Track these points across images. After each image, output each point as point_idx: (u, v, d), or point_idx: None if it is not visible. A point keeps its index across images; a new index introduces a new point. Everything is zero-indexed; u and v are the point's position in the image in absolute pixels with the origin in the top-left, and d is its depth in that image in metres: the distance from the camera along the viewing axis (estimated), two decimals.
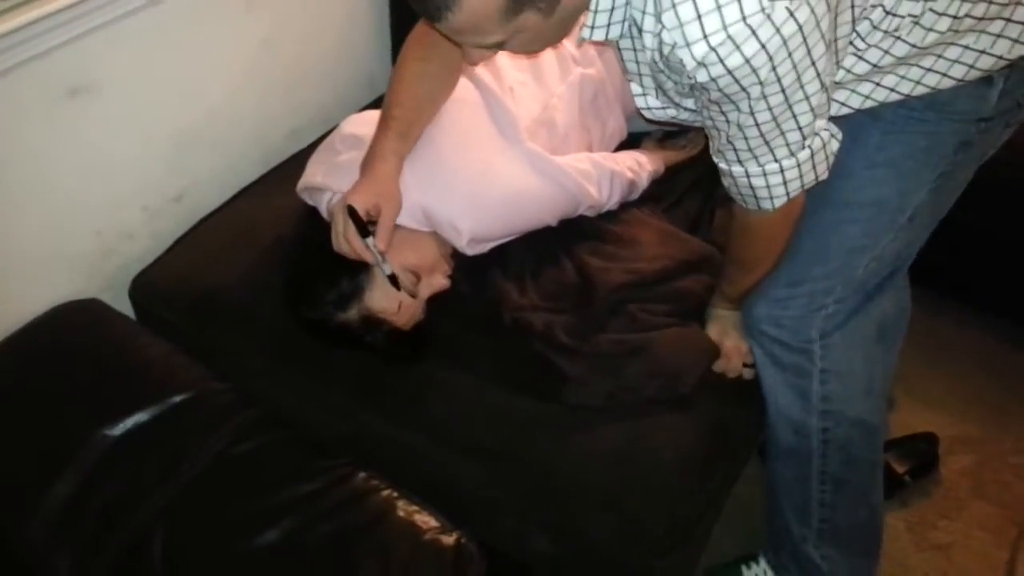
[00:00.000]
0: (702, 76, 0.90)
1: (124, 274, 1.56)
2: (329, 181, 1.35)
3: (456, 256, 1.38)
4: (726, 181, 1.13)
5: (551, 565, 1.33)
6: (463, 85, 1.37)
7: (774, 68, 0.89)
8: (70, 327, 1.43)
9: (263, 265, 1.46)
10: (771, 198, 1.10)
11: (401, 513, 1.18)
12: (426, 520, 1.17)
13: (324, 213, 1.38)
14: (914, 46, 1.03)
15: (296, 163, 1.57)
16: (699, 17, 0.85)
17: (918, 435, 1.77)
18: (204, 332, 1.46)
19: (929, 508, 1.71)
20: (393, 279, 1.24)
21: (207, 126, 1.63)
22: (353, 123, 1.43)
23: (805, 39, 0.88)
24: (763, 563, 1.51)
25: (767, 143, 1.01)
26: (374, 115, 1.35)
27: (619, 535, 1.21)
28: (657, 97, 1.12)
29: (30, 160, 1.35)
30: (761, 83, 0.90)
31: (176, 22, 1.46)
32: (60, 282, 1.49)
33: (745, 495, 1.56)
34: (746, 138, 1.01)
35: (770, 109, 0.95)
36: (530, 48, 0.99)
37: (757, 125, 0.98)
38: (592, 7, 0.96)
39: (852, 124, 1.10)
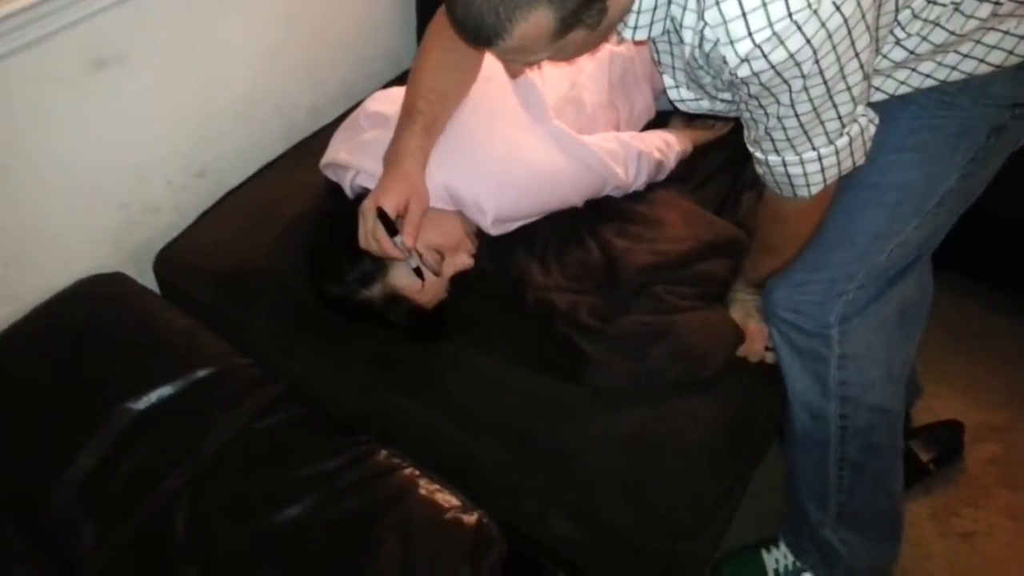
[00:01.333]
0: (744, 71, 0.89)
1: (148, 248, 1.56)
2: (353, 159, 1.35)
3: (480, 235, 1.37)
4: (761, 169, 1.12)
5: (572, 547, 1.33)
6: (489, 62, 1.35)
7: (817, 61, 0.88)
8: (94, 300, 1.43)
9: (286, 241, 1.46)
10: (808, 185, 1.09)
11: (423, 491, 1.18)
12: (448, 499, 1.17)
13: (347, 189, 1.38)
14: (953, 33, 1.02)
15: (319, 139, 1.56)
16: (744, 14, 0.84)
17: (943, 422, 1.75)
18: (227, 307, 1.46)
19: (954, 496, 1.69)
20: (418, 272, 1.23)
21: (231, 101, 1.63)
22: (377, 100, 1.42)
23: (850, 31, 0.87)
24: (783, 547, 1.51)
25: (806, 133, 1.00)
26: (398, 92, 1.34)
27: (640, 518, 1.21)
28: (689, 88, 1.11)
29: (56, 132, 1.35)
30: (804, 76, 0.89)
31: None
32: (85, 255, 1.50)
33: (766, 478, 1.55)
34: (785, 129, 1.00)
35: (811, 100, 0.94)
36: (572, 57, 0.98)
37: (797, 116, 0.97)
38: (635, 8, 0.94)
39: (882, 108, 1.08)
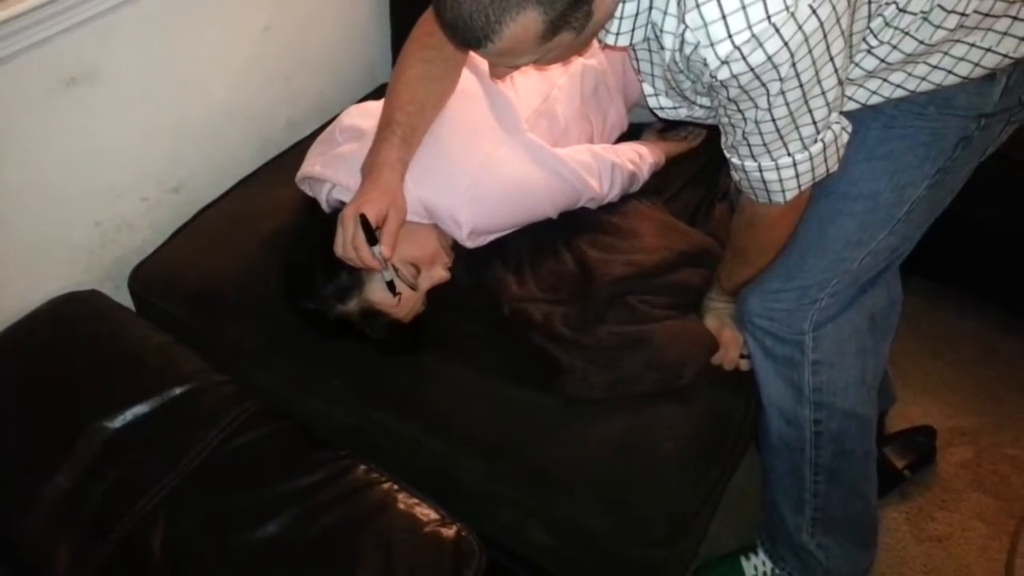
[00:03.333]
0: (723, 74, 0.91)
1: (123, 265, 1.56)
2: (328, 172, 1.35)
3: (456, 248, 1.38)
4: (737, 175, 1.14)
5: (551, 557, 1.33)
6: (463, 75, 1.36)
7: (794, 64, 0.90)
8: (69, 318, 1.42)
9: (262, 256, 1.45)
10: (783, 191, 1.11)
11: (401, 506, 1.18)
12: (426, 512, 1.17)
13: (323, 204, 1.38)
14: (922, 42, 1.04)
15: (295, 154, 1.56)
16: (724, 17, 0.86)
17: (916, 428, 1.77)
18: (203, 323, 1.45)
19: (928, 500, 1.71)
20: (391, 285, 1.24)
21: (206, 116, 1.63)
22: (353, 114, 1.42)
23: (825, 35, 0.89)
24: (762, 554, 1.52)
25: (782, 138, 1.02)
26: (374, 106, 1.35)
27: (618, 527, 1.21)
28: (668, 96, 1.12)
29: (28, 150, 1.35)
30: (781, 79, 0.91)
31: (176, 10, 1.45)
32: (59, 273, 1.49)
33: (745, 486, 1.56)
34: (761, 134, 1.02)
35: (787, 104, 0.96)
36: (557, 60, 1.00)
37: (773, 120, 0.99)
38: (617, 14, 0.96)
39: (853, 117, 1.11)
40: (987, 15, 1.02)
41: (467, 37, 0.88)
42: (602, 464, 1.23)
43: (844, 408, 1.32)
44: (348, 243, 1.18)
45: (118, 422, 1.26)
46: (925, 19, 1.02)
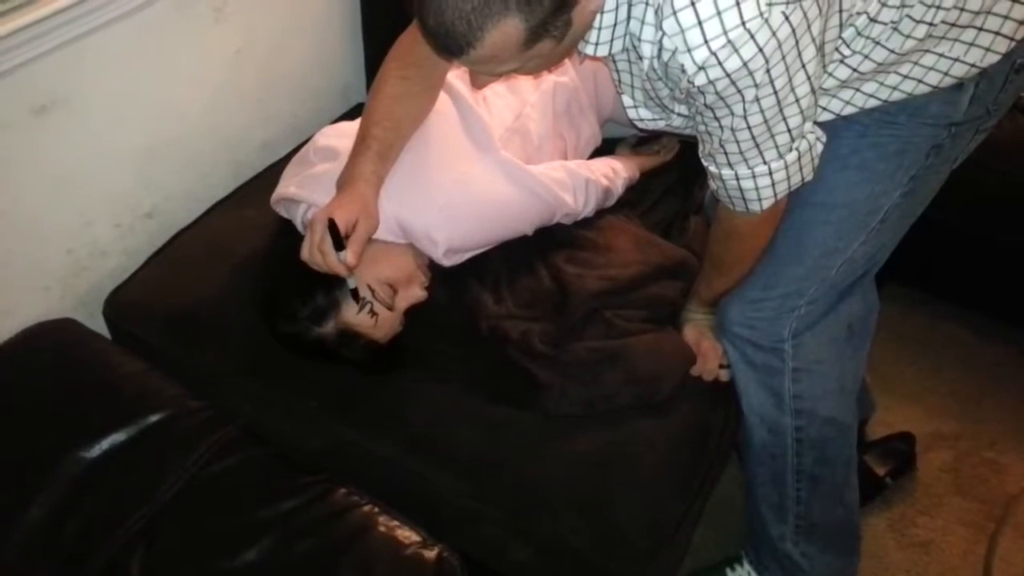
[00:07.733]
0: (700, 80, 0.92)
1: (97, 292, 1.54)
2: (303, 192, 1.35)
3: (433, 267, 1.37)
4: (714, 184, 1.15)
5: (534, 575, 1.33)
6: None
7: (768, 70, 0.91)
8: (43, 347, 1.41)
9: (238, 280, 1.45)
10: (759, 200, 1.12)
11: (382, 528, 1.17)
12: (407, 535, 1.17)
13: (299, 225, 1.38)
14: (893, 51, 1.06)
15: (269, 176, 1.56)
16: (700, 23, 0.88)
17: (895, 435, 1.78)
18: (179, 349, 1.44)
19: (909, 506, 1.72)
20: (355, 294, 1.23)
21: (178, 140, 1.62)
22: (327, 135, 1.42)
23: (797, 42, 0.91)
24: (746, 564, 1.52)
25: (757, 146, 1.03)
26: (348, 126, 1.35)
27: (600, 542, 1.21)
28: (648, 108, 1.13)
29: None
30: (756, 85, 0.93)
31: (144, 36, 1.45)
32: (33, 302, 1.47)
33: (728, 495, 1.57)
34: (737, 141, 1.03)
35: (762, 112, 0.97)
36: (538, 70, 1.01)
37: (749, 128, 1.00)
38: (596, 24, 0.97)
39: (826, 127, 1.12)
40: (954, 25, 1.04)
41: (449, 44, 0.88)
42: (582, 479, 1.23)
43: (824, 415, 1.33)
44: (314, 247, 1.18)
45: (95, 451, 1.24)
46: (895, 29, 1.04)
